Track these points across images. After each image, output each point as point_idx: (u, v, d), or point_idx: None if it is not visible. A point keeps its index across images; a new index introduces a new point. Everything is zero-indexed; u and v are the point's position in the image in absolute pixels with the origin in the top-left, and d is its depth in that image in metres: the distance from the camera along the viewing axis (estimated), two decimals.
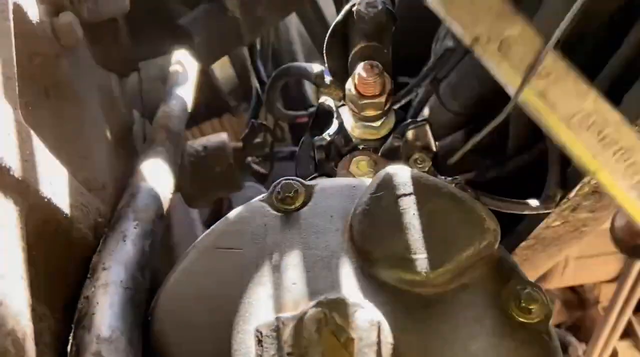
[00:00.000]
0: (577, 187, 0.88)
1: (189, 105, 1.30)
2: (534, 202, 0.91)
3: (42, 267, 0.67)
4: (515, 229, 1.15)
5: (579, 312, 2.48)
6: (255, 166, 1.26)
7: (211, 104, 2.13)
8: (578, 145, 0.62)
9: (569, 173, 0.89)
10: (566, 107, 0.60)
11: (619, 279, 2.20)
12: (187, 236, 1.40)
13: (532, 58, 0.59)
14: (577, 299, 2.49)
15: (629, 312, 2.17)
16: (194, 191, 1.21)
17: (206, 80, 1.97)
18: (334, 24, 0.94)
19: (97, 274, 0.66)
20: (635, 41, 0.76)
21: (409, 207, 0.65)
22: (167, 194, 0.90)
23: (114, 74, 1.06)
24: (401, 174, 0.68)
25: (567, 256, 2.12)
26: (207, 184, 1.22)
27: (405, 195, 0.66)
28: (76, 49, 0.92)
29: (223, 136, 1.25)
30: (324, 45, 0.95)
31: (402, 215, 0.65)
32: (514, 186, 1.23)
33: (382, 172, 0.69)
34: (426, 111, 1.39)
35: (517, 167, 1.13)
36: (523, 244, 1.14)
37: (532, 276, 1.73)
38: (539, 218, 1.05)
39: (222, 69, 2.07)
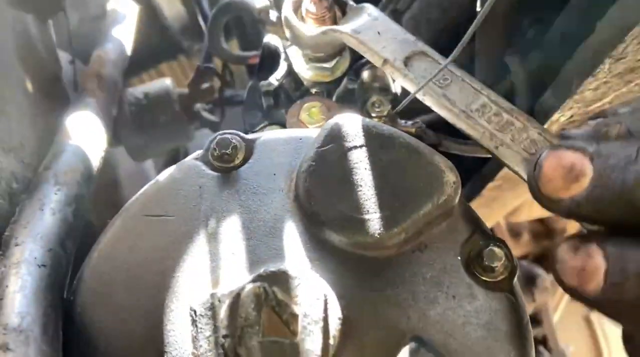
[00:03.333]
0: (545, 126, 0.81)
1: (128, 47, 1.18)
2: None
3: None
4: (481, 170, 1.10)
5: (546, 242, 2.51)
6: (206, 114, 1.16)
7: (162, 45, 1.97)
8: (476, 130, 0.65)
9: (536, 110, 0.82)
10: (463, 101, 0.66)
11: None
12: None
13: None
14: (545, 229, 2.51)
15: None
16: (138, 143, 1.11)
17: (154, 19, 1.81)
18: None
19: (8, 251, 0.58)
20: None
21: (360, 161, 0.58)
22: (97, 151, 0.80)
23: (32, 16, 0.93)
24: (351, 123, 0.60)
25: None
26: (152, 136, 1.12)
27: (355, 147, 0.58)
28: None
29: (166, 82, 1.14)
30: None
31: (352, 170, 0.57)
32: None
33: (329, 122, 0.61)
34: None
35: None
36: (490, 184, 1.10)
37: (501, 213, 1.71)
38: None
39: (170, 5, 1.90)
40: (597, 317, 2.36)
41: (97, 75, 0.98)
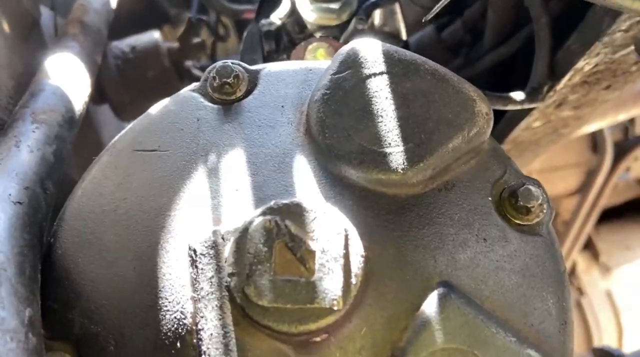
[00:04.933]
0: (568, 76, 0.76)
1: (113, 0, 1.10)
2: (518, 95, 0.79)
3: None
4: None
5: None
6: (197, 71, 1.09)
7: (147, 12, 1.88)
8: None
9: (560, 57, 0.77)
10: None
11: (581, 192, 2.18)
12: None
13: None
14: None
15: (590, 225, 2.17)
16: (123, 99, 1.03)
17: None
18: None
19: None
20: None
21: (381, 89, 0.51)
22: (80, 94, 0.72)
23: None
24: (370, 48, 0.53)
25: (530, 170, 2.07)
26: (139, 91, 1.04)
27: (375, 74, 0.52)
28: None
29: (155, 35, 1.06)
30: None
31: (371, 99, 0.51)
32: (487, 87, 1.11)
33: (345, 47, 0.54)
34: None
35: (493, 63, 1.00)
36: None
37: None
38: (516, 119, 0.94)
39: None
40: (588, 301, 2.34)
41: (79, 21, 0.90)
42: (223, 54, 1.65)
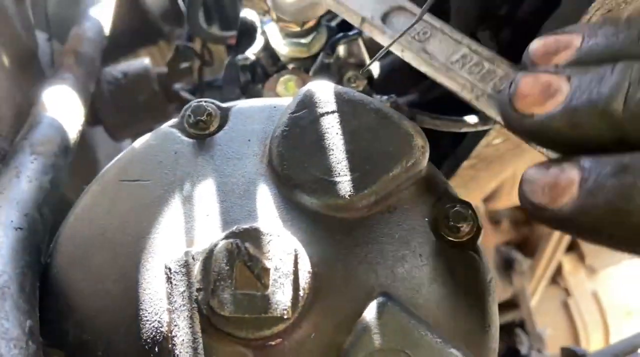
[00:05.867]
0: None
1: (106, 27, 1.18)
2: (472, 118, 0.87)
3: None
4: (456, 149, 1.12)
5: (526, 229, 2.55)
6: (185, 94, 1.17)
7: (142, 30, 1.96)
8: (456, 83, 0.61)
9: None
10: (443, 54, 0.63)
11: None
12: None
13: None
14: (524, 217, 2.55)
15: None
16: (117, 122, 1.12)
17: (134, 3, 1.80)
18: None
19: None
20: None
21: (332, 126, 0.59)
22: (74, 124, 0.81)
23: None
24: (324, 89, 0.61)
25: (516, 174, 2.14)
26: (130, 115, 1.12)
27: (327, 113, 0.60)
28: None
29: (145, 61, 1.14)
30: None
31: (324, 135, 0.59)
32: (458, 107, 1.19)
33: (302, 89, 0.62)
34: None
35: None
36: (465, 163, 1.12)
37: (478, 196, 1.74)
38: (479, 136, 1.02)
39: None
40: (574, 302, 2.40)
41: (74, 52, 0.98)
42: (219, 64, 1.74)
